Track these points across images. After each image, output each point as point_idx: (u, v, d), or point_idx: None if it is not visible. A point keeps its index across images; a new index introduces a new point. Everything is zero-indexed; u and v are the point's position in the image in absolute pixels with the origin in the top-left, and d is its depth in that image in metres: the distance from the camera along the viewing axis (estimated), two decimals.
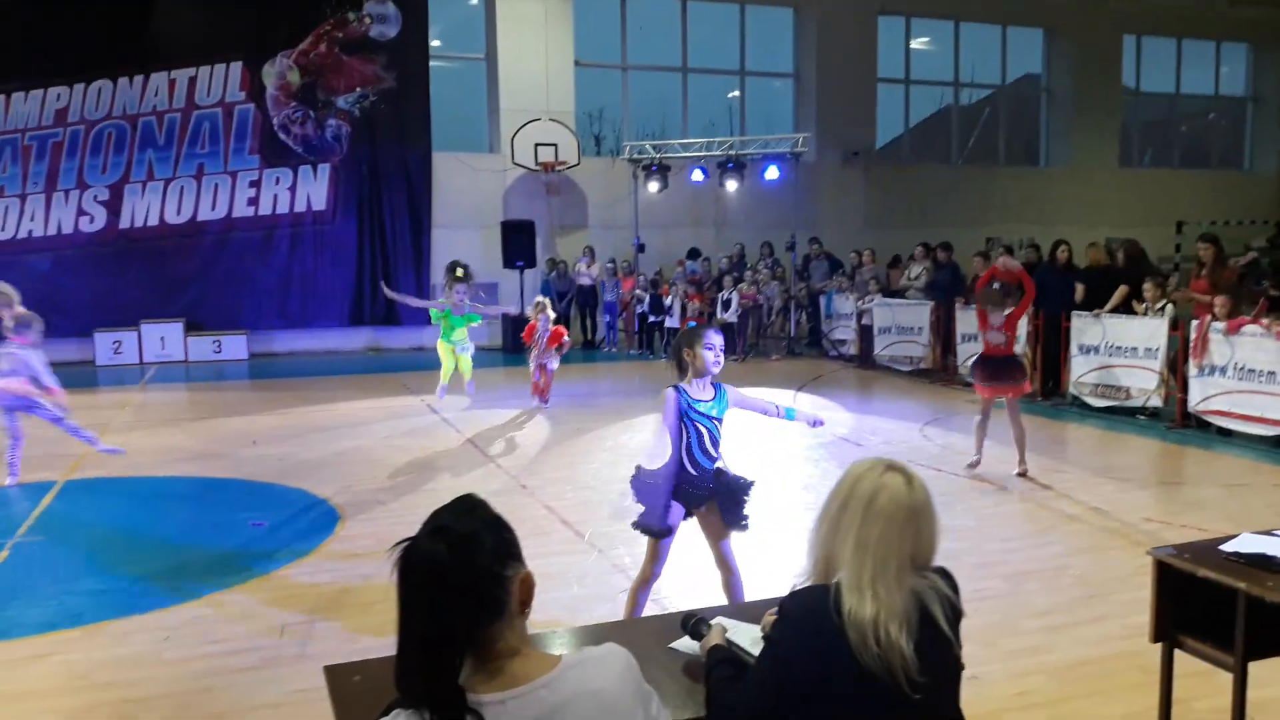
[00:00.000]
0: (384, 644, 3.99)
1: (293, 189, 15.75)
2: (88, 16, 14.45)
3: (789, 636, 1.97)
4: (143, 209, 15.17)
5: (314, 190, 15.85)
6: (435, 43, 16.62)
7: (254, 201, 15.61)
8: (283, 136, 15.62)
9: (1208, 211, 19.88)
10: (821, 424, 4.88)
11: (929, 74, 20.29)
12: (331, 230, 15.96)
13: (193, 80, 15.24)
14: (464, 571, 1.59)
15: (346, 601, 4.97)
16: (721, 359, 4.16)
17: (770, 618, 2.34)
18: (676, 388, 4.12)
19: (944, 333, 12.71)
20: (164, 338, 14.90)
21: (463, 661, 1.58)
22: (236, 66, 15.38)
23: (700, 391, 4.14)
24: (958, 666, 2.03)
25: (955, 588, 2.04)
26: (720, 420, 4.19)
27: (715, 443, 4.19)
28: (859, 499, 1.97)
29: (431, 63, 16.38)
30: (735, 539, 4.30)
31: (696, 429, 4.11)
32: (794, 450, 8.49)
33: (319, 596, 5.02)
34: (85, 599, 5.02)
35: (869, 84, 18.94)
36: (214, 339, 15.15)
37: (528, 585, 1.65)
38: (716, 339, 4.14)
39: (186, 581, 5.25)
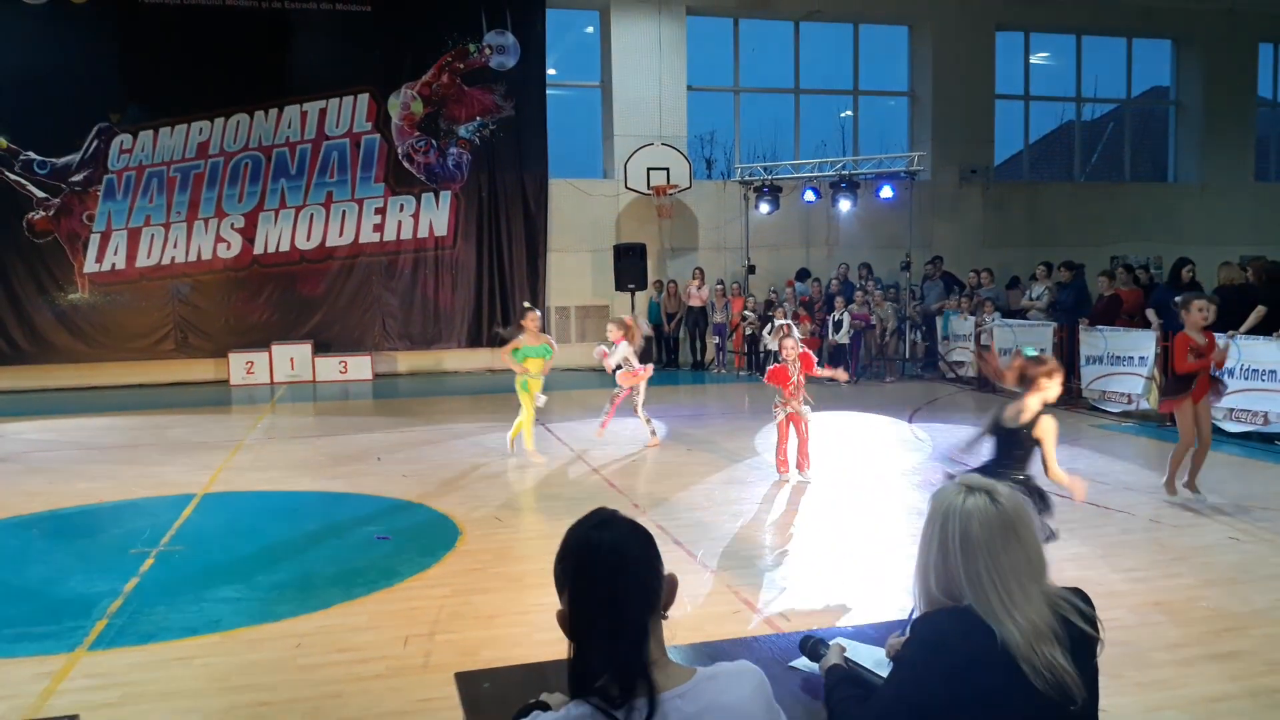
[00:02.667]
0: (504, 656, 4.12)
1: (416, 215, 16.33)
2: (227, 54, 15.33)
3: (925, 658, 1.95)
4: (275, 236, 15.94)
5: (436, 217, 16.40)
6: (551, 71, 17.02)
7: (379, 228, 16.24)
8: (406, 165, 16.23)
9: None
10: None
11: (1049, 89, 19.78)
12: (452, 255, 16.48)
13: (323, 112, 15.98)
14: (639, 555, 1.69)
15: (467, 614, 5.11)
16: None
17: (897, 639, 2.34)
18: None
19: (1068, 354, 12.31)
20: (293, 358, 15.57)
21: (646, 641, 1.66)
22: (364, 98, 16.06)
23: None
24: (1096, 674, 2.01)
25: (1092, 606, 2.02)
26: None
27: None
28: (953, 538, 1.94)
29: (548, 91, 16.78)
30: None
31: None
32: (905, 474, 8.35)
33: (440, 609, 5.18)
34: (223, 606, 5.30)
35: (986, 100, 18.56)
36: (340, 360, 15.75)
37: (673, 584, 1.73)
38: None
39: (316, 592, 5.49)
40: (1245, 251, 14.91)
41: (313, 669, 4.47)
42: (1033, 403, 4.57)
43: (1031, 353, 4.81)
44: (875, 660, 2.49)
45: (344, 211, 16.14)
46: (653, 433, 9.72)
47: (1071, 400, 12.01)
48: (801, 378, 8.01)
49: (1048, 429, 4.56)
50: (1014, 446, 4.59)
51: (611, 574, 1.66)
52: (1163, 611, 5.01)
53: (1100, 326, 11.85)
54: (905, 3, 18.02)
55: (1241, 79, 19.84)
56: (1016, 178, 19.65)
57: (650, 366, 9.86)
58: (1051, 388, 4.58)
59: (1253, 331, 9.65)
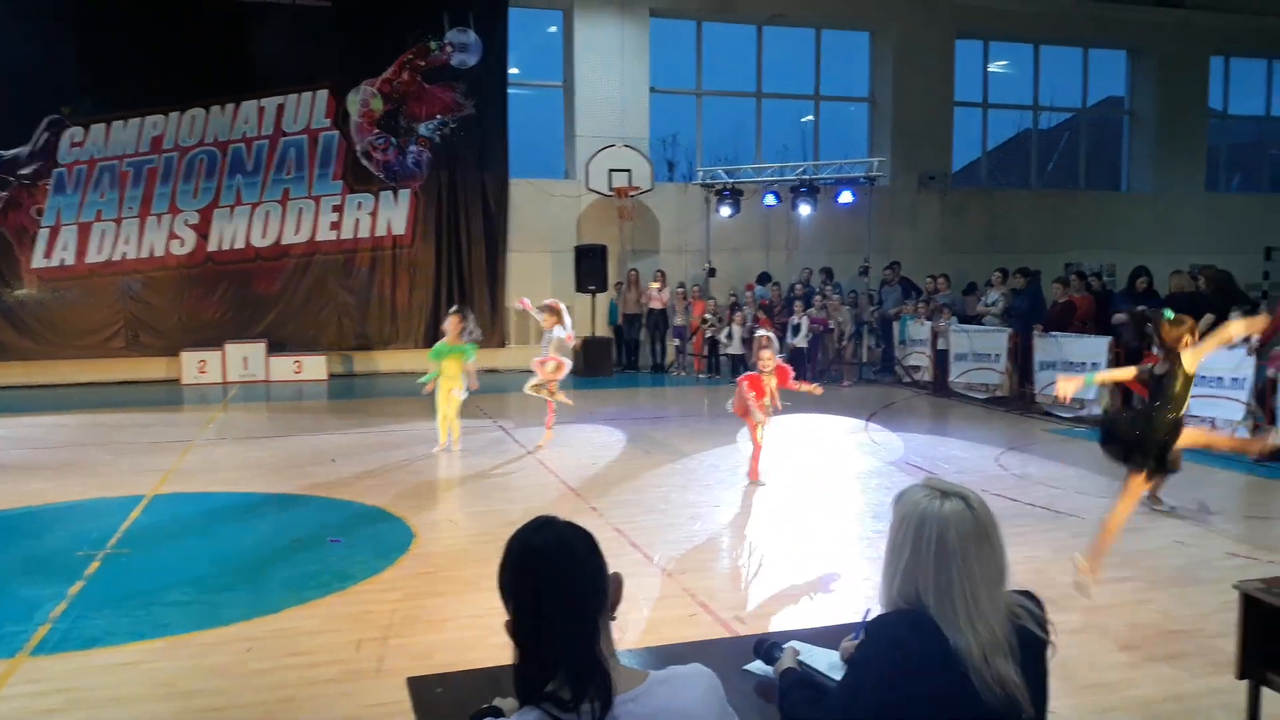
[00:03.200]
0: (457, 660, 4.08)
1: (374, 214, 16.17)
2: (184, 47, 15.06)
3: (879, 657, 1.95)
4: (230, 233, 15.70)
5: (394, 215, 16.26)
6: (514, 70, 16.96)
7: (336, 226, 16.05)
8: (365, 163, 16.06)
9: None
10: None
11: (1008, 97, 20.05)
12: (410, 254, 16.34)
13: (281, 108, 15.77)
14: (583, 556, 1.68)
15: (420, 618, 5.07)
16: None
17: (850, 643, 2.35)
18: None
19: (1022, 360, 12.48)
20: (247, 358, 15.34)
21: (597, 641, 1.66)
22: (322, 94, 15.87)
23: None
24: (1045, 687, 2.02)
25: (1043, 609, 2.03)
26: None
27: None
28: (929, 541, 1.93)
29: (510, 90, 16.71)
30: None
31: None
32: (862, 477, 8.41)
33: (393, 613, 5.13)
34: (172, 610, 5.20)
35: (946, 107, 18.78)
36: (294, 359, 15.55)
37: (619, 583, 1.72)
38: None
39: (267, 595, 5.41)
40: (1196, 260, 15.20)
41: (263, 674, 4.40)
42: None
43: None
44: (829, 663, 2.49)
45: (300, 209, 15.94)
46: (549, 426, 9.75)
47: (1025, 405, 12.21)
48: (775, 389, 8.04)
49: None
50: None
51: (556, 576, 1.65)
52: (1112, 614, 5.08)
53: (1054, 332, 12.02)
54: (867, 9, 18.17)
55: (1193, 90, 20.26)
56: (974, 184, 19.89)
57: (568, 363, 9.68)
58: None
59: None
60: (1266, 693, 3.15)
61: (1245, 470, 8.75)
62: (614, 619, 1.75)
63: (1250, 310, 10.16)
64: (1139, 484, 5.40)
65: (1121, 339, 10.49)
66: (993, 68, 19.82)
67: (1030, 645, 1.95)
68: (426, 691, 2.56)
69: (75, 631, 4.88)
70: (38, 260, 15.01)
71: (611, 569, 1.75)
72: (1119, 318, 10.59)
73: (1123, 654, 4.56)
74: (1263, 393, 9.13)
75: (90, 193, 15.16)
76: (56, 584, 5.57)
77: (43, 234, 15.00)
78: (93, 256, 15.19)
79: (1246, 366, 9.22)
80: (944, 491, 1.98)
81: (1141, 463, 5.29)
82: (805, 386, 8.28)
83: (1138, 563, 5.98)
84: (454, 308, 9.77)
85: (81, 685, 4.27)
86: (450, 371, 9.29)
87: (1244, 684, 3.20)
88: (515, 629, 1.67)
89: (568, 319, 9.52)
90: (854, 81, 19.18)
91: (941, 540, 1.92)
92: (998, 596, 1.93)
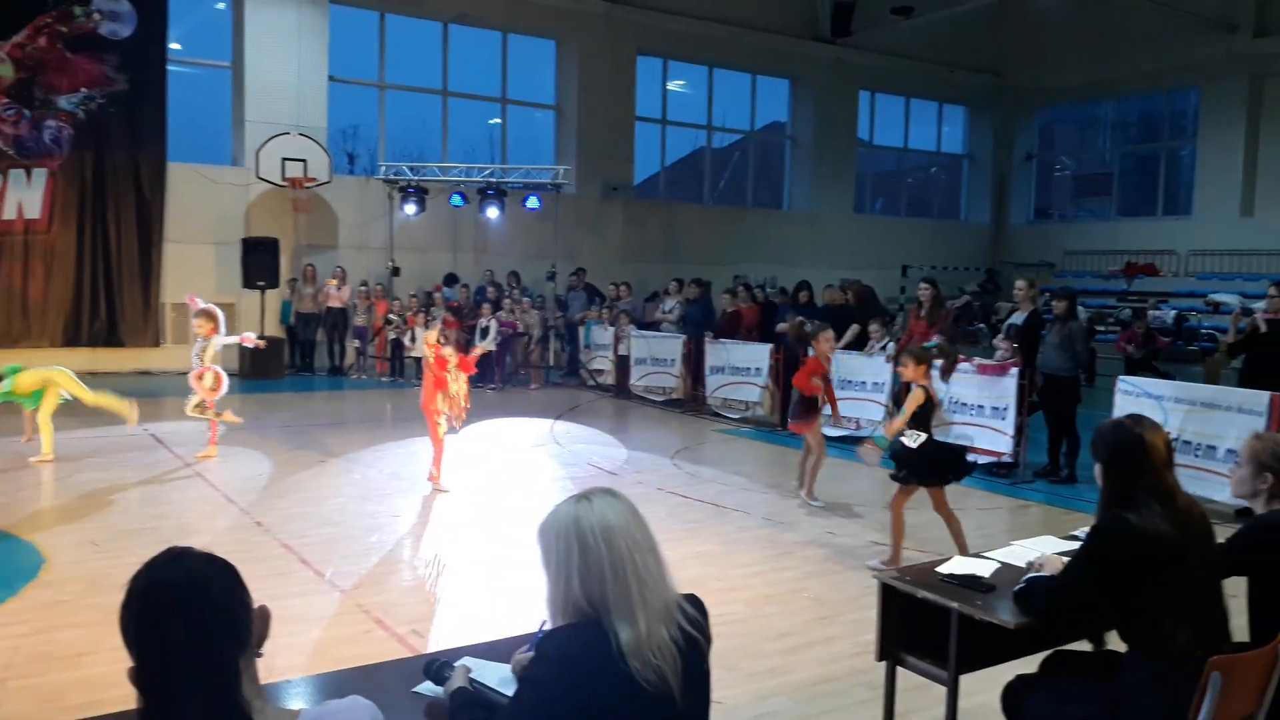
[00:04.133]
0: (98, 699, 3.59)
1: (2, 193, 14.15)
2: None
3: (551, 674, 1.95)
4: None
5: (27, 196, 14.30)
6: (175, 46, 15.52)
7: None
8: None
9: (930, 256, 21.87)
10: None
11: (685, 115, 21.10)
12: (47, 240, 14.46)
13: None
14: (222, 588, 1.52)
15: (51, 654, 4.45)
16: None
17: (522, 656, 2.29)
18: None
19: (695, 364, 13.16)
20: None
21: (238, 684, 1.49)
22: None
23: None
24: (708, 686, 2.08)
25: (705, 614, 2.09)
26: None
27: None
28: (594, 535, 1.97)
29: (170, 67, 15.27)
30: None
31: None
32: (555, 481, 8.48)
33: (16, 650, 4.46)
34: None
35: (627, 121, 19.44)
36: None
37: (265, 618, 1.57)
38: None
39: None
40: (845, 274, 16.75)
41: None
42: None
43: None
44: (501, 679, 2.42)
45: None
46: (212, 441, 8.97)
47: (697, 407, 12.89)
48: (464, 389, 7.96)
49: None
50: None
51: (186, 616, 1.45)
52: (773, 603, 5.42)
53: (723, 340, 12.78)
54: (551, 17, 18.38)
55: (845, 121, 22.37)
56: (654, 197, 20.77)
57: (226, 377, 8.85)
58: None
59: (848, 347, 10.84)
60: (901, 671, 3.45)
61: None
62: (259, 655, 1.57)
63: (889, 320, 11.34)
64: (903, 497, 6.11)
65: (784, 344, 11.33)
66: (671, 86, 20.81)
67: (692, 644, 2.01)
68: None
69: None
70: None
71: (272, 591, 1.57)
72: (781, 327, 11.43)
73: (783, 640, 4.86)
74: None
75: None
76: None
77: None
78: None
79: (885, 372, 10.26)
80: (590, 494, 2.06)
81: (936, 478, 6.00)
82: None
83: (796, 553, 6.44)
84: None
85: None
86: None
87: (884, 664, 3.49)
88: (138, 677, 1.46)
89: (224, 327, 8.80)
90: (541, 88, 19.39)
91: (606, 530, 1.98)
92: (661, 589, 1.99)
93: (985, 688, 3.35)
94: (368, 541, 6.46)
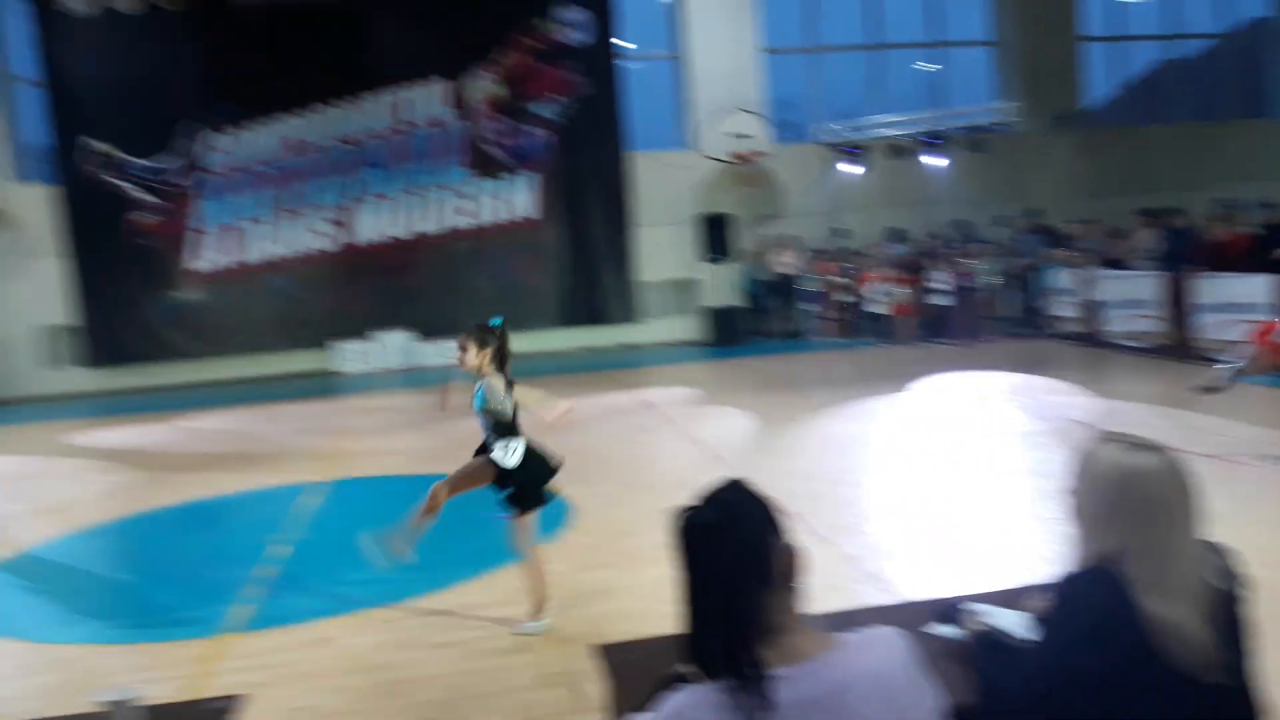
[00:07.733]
0: (630, 629, 4.18)
1: (502, 198, 16.51)
2: (307, 50, 15.67)
3: (1074, 620, 1.93)
4: (368, 226, 16.31)
5: (522, 198, 16.57)
6: (630, 46, 16.95)
7: (467, 212, 16.48)
8: (489, 148, 16.40)
9: None
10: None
11: (1139, 29, 18.98)
12: (540, 235, 16.64)
13: (404, 100, 16.25)
14: (731, 535, 1.65)
15: (593, 590, 5.21)
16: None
17: (1039, 600, 2.31)
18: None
19: (1178, 305, 11.86)
20: (394, 345, 15.95)
21: (756, 630, 1.63)
22: (442, 83, 16.27)
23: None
24: (1243, 637, 1.97)
25: (1234, 563, 1.99)
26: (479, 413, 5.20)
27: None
28: (1131, 497, 1.90)
29: (624, 64, 16.75)
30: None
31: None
32: (1021, 434, 8.20)
33: (562, 585, 5.25)
34: (355, 588, 5.50)
35: (1068, 44, 17.91)
36: (437, 345, 16.02)
37: (789, 557, 1.69)
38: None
39: (441, 571, 5.64)
40: None
41: (445, 646, 4.62)
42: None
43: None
44: (1016, 622, 2.46)
45: (432, 198, 16.41)
46: None
47: (1184, 352, 11.57)
48: None
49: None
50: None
51: (715, 544, 1.65)
52: None
53: (1213, 274, 11.32)
54: None
55: None
56: (1109, 123, 18.90)
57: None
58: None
59: None
60: None
61: None
62: (791, 589, 1.71)
63: None
64: None
65: None
66: None
67: (1223, 594, 1.91)
68: (619, 658, 2.64)
69: (269, 611, 5.22)
70: (191, 263, 15.91)
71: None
72: None
73: None
74: None
75: (234, 196, 15.98)
76: (244, 567, 5.96)
77: (195, 238, 15.89)
78: (242, 256, 16.04)
79: None
80: (1137, 446, 1.95)
81: None
82: None
83: None
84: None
85: (281, 661, 4.57)
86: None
87: None
88: (682, 598, 1.69)
89: None
90: (966, 26, 18.46)
91: (1145, 495, 1.89)
92: (1200, 561, 1.90)
93: None
94: (847, 494, 6.73)
